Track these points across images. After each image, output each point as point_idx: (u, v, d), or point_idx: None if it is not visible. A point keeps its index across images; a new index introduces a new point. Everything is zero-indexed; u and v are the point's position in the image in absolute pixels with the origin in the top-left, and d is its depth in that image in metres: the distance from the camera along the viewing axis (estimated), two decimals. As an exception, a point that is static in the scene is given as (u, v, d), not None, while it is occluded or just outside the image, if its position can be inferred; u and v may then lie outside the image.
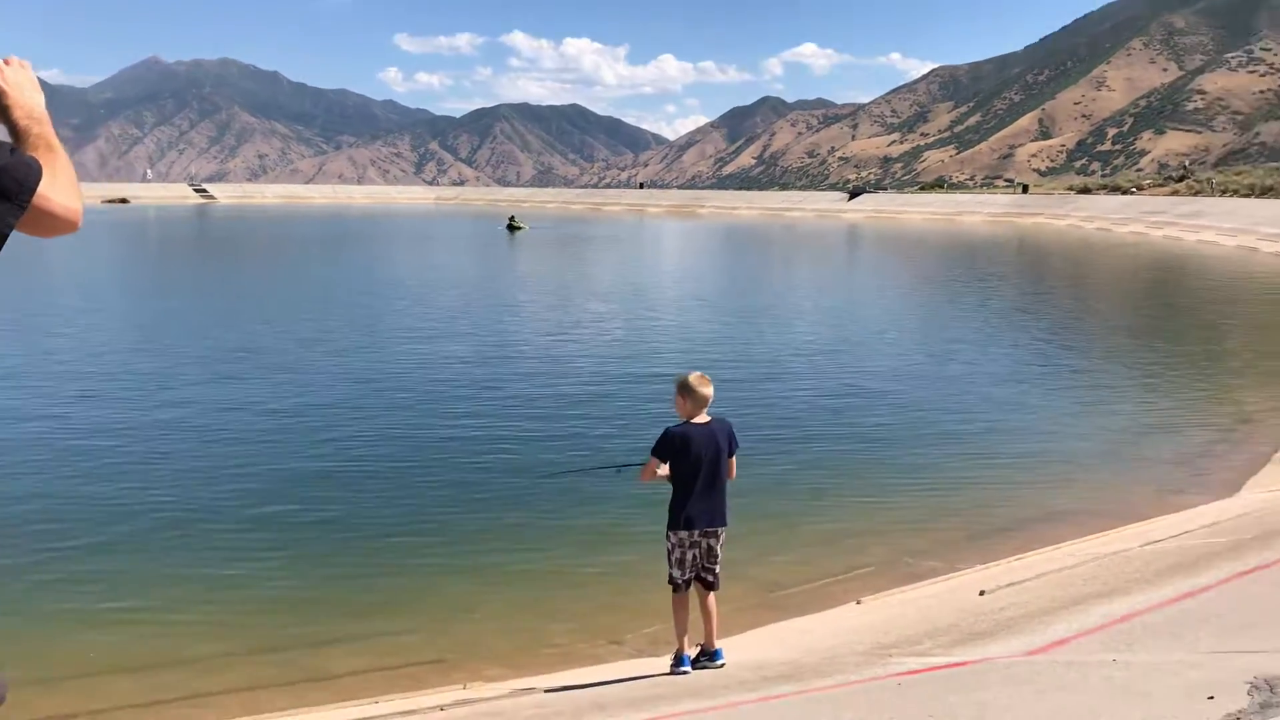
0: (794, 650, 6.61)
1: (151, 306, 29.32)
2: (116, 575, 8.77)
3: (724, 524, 6.18)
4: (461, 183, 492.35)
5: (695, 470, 6.04)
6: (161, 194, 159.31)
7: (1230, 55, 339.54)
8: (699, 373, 6.23)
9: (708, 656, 6.21)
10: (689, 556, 6.12)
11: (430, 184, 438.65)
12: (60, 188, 2.15)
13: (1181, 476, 11.95)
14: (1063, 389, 17.39)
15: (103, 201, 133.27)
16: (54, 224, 2.16)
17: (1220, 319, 27.41)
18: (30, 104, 2.27)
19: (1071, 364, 20.16)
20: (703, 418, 6.16)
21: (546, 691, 6.08)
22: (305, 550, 9.41)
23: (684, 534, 6.09)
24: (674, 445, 6.08)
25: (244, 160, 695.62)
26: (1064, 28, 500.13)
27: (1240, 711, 3.20)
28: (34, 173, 2.10)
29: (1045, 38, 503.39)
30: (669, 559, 6.15)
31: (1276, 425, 13.96)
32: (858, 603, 7.99)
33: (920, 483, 11.63)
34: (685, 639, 6.21)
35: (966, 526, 10.22)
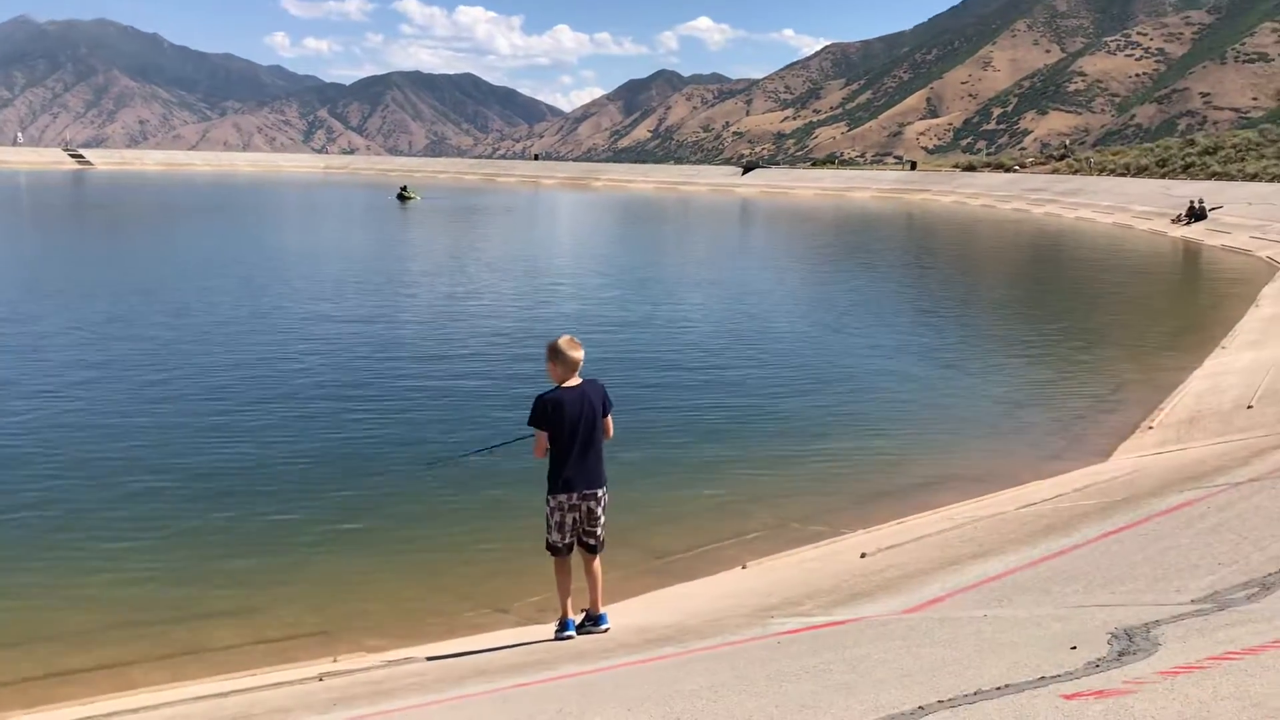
0: (679, 614, 6.64)
1: (13, 277, 28.06)
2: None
3: (603, 485, 6.16)
4: (352, 152, 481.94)
5: (571, 434, 6.01)
6: (33, 159, 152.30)
7: (1109, 39, 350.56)
8: (568, 336, 6.22)
9: (592, 621, 6.20)
10: (569, 520, 6.08)
11: (319, 152, 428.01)
12: None
13: (1057, 443, 12.35)
14: (946, 359, 17.81)
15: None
16: None
17: (1096, 293, 28.37)
18: None
19: (955, 335, 20.67)
20: (574, 381, 6.11)
21: (428, 659, 6.01)
22: (182, 523, 9.12)
23: (563, 497, 6.05)
24: (547, 411, 6.03)
25: (123, 125, 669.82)
26: (952, 8, 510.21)
27: (1100, 659, 3.30)
28: None
29: (934, 17, 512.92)
30: (548, 523, 6.11)
31: (1146, 394, 14.50)
32: (743, 567, 8.07)
33: (806, 450, 11.81)
34: (569, 604, 6.18)
35: (851, 492, 10.41)
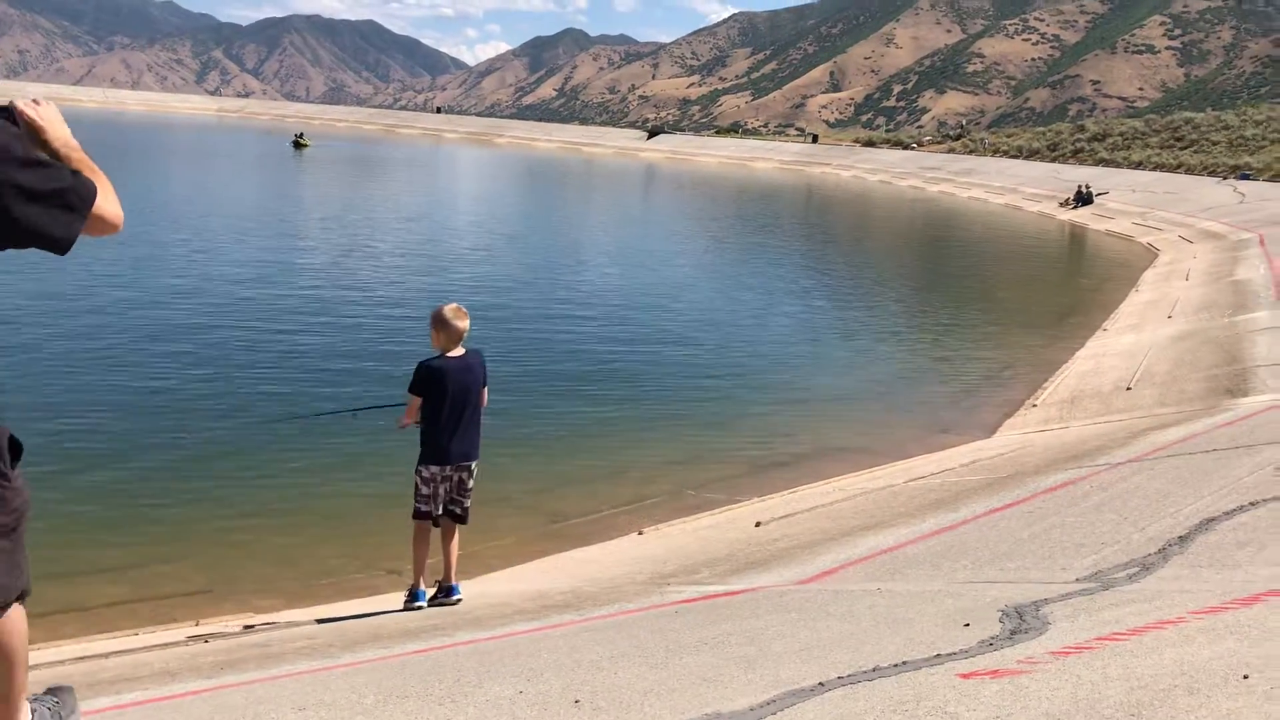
0: (575, 580, 6.64)
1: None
2: None
3: (476, 457, 6.10)
4: (247, 95, 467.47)
5: (449, 404, 5.92)
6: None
7: (1008, 22, 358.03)
8: (454, 304, 6.07)
9: (444, 593, 6.12)
10: (440, 491, 6.02)
11: (213, 95, 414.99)
12: (108, 199, 2.69)
13: (945, 418, 12.67)
14: (840, 333, 18.12)
15: None
16: (105, 227, 2.69)
17: (985, 272, 29.11)
18: (64, 135, 2.77)
19: (849, 310, 21.01)
20: (458, 351, 6.01)
21: (319, 622, 5.90)
22: (62, 478, 8.76)
23: (435, 469, 5.98)
24: (429, 379, 5.93)
25: (1, 55, 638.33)
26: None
27: (993, 638, 3.38)
28: (92, 190, 2.63)
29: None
30: (417, 492, 6.03)
31: (1031, 372, 14.96)
32: (639, 533, 8.11)
33: (703, 418, 11.92)
34: (423, 575, 6.13)
35: (746, 461, 10.53)
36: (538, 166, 79.05)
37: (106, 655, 5.37)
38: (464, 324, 5.99)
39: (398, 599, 6.24)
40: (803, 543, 6.77)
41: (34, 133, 2.73)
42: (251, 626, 5.92)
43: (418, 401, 5.98)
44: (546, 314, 17.45)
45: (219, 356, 13.18)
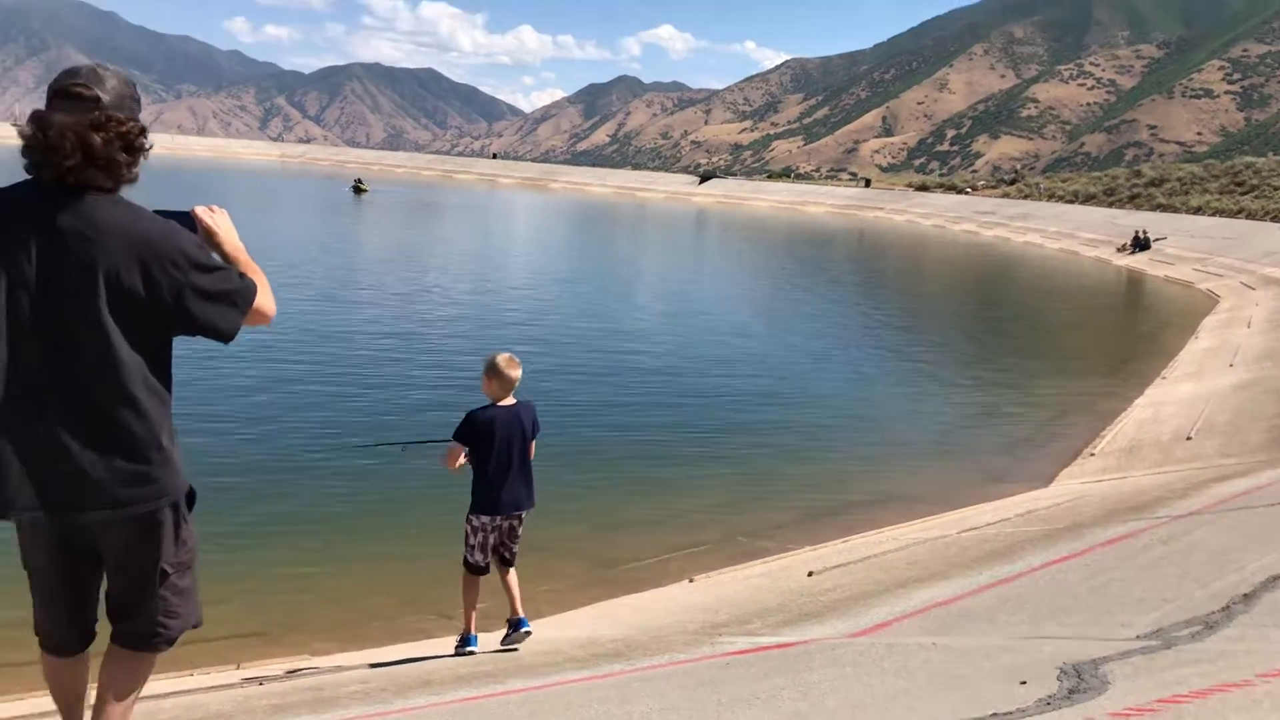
0: (625, 627, 6.61)
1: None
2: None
3: (528, 506, 6.11)
4: (308, 141, 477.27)
5: (500, 454, 5.93)
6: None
7: (1062, 67, 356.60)
8: (508, 354, 6.09)
9: (514, 627, 6.08)
10: (490, 540, 6.03)
11: (276, 140, 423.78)
12: (266, 297, 3.14)
13: (1000, 466, 12.49)
14: (894, 379, 17.98)
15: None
16: (261, 320, 3.14)
17: (1041, 318, 28.80)
18: (234, 240, 3.21)
19: (901, 355, 20.85)
20: (509, 400, 6.03)
21: (372, 666, 5.92)
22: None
23: (486, 519, 5.99)
24: (478, 429, 5.94)
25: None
26: (911, 29, 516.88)
27: (1050, 696, 3.32)
28: (254, 291, 3.09)
29: (894, 37, 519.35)
30: (467, 542, 6.04)
31: (1088, 419, 14.72)
32: (690, 580, 8.06)
33: (754, 464, 11.85)
34: (473, 619, 6.12)
35: (798, 508, 10.45)
36: (591, 211, 79.70)
37: (164, 696, 5.43)
38: (516, 374, 6.01)
39: (449, 643, 6.26)
40: (856, 594, 6.70)
41: (209, 237, 3.16)
42: (298, 671, 5.96)
43: (459, 448, 5.99)
44: (598, 357, 17.51)
45: (273, 397, 13.35)
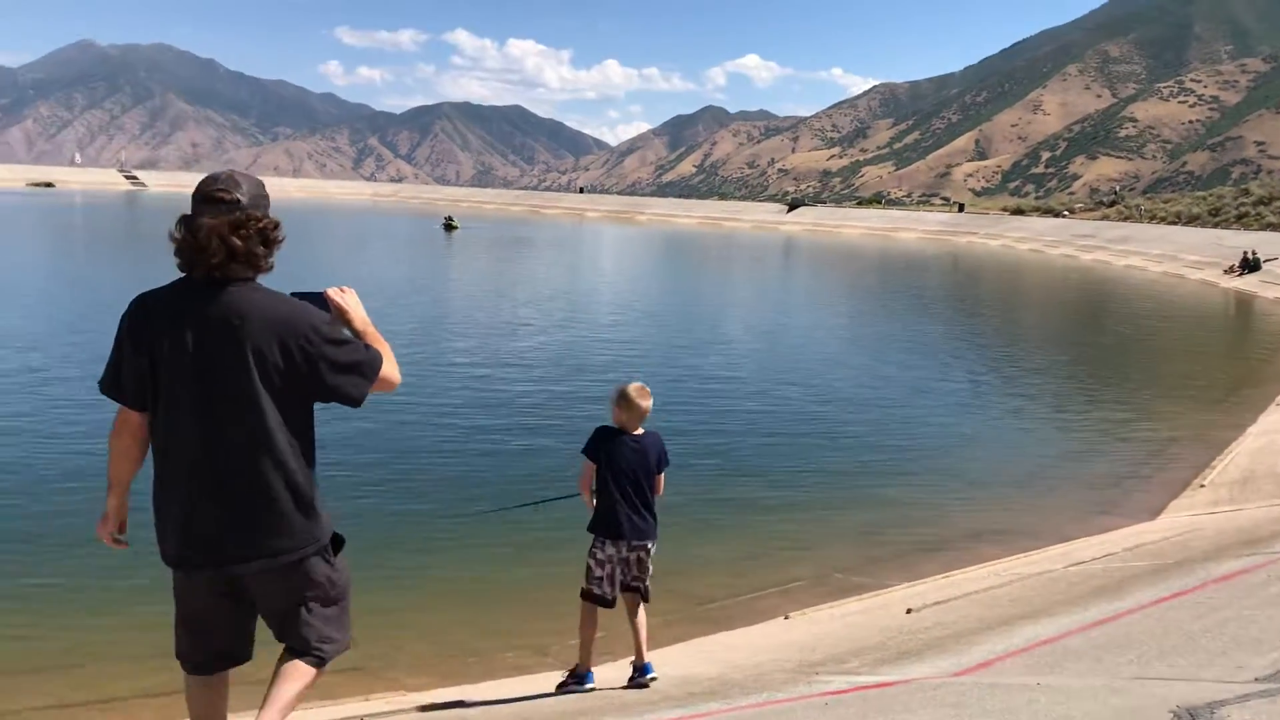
0: (721, 665, 6.56)
1: (68, 297, 28.53)
2: (22, 573, 8.46)
3: (653, 539, 6.02)
4: (400, 180, 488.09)
5: (621, 481, 5.88)
6: (90, 179, 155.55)
7: (1162, 85, 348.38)
8: (639, 384, 6.05)
9: (639, 672, 5.99)
10: (615, 572, 5.95)
11: (368, 180, 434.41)
12: (391, 367, 3.55)
13: (1105, 498, 12.14)
14: (993, 408, 17.62)
15: (27, 184, 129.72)
16: (386, 387, 3.55)
17: (1145, 344, 28.00)
18: (362, 315, 3.59)
19: (1001, 384, 20.44)
20: (638, 430, 6.01)
21: (468, 704, 5.96)
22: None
23: (610, 548, 5.91)
24: (604, 447, 5.92)
25: (177, 148, 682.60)
26: (1002, 51, 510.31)
27: (1165, 744, 3.20)
28: (380, 361, 3.50)
29: (984, 60, 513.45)
30: (591, 574, 5.95)
31: (1197, 450, 14.25)
32: (786, 618, 7.97)
33: (849, 498, 11.69)
34: (590, 654, 6.02)
35: (895, 543, 10.27)
36: (679, 242, 79.94)
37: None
38: (646, 404, 6.00)
39: (544, 679, 6.27)
40: (957, 631, 6.56)
41: (340, 314, 3.56)
42: (393, 712, 6.02)
43: (591, 468, 5.96)
44: (689, 390, 17.48)
45: (374, 432, 13.58)
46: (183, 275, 3.36)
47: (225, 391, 3.30)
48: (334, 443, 13.04)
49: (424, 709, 5.86)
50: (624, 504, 5.89)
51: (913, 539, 10.39)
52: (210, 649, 3.62)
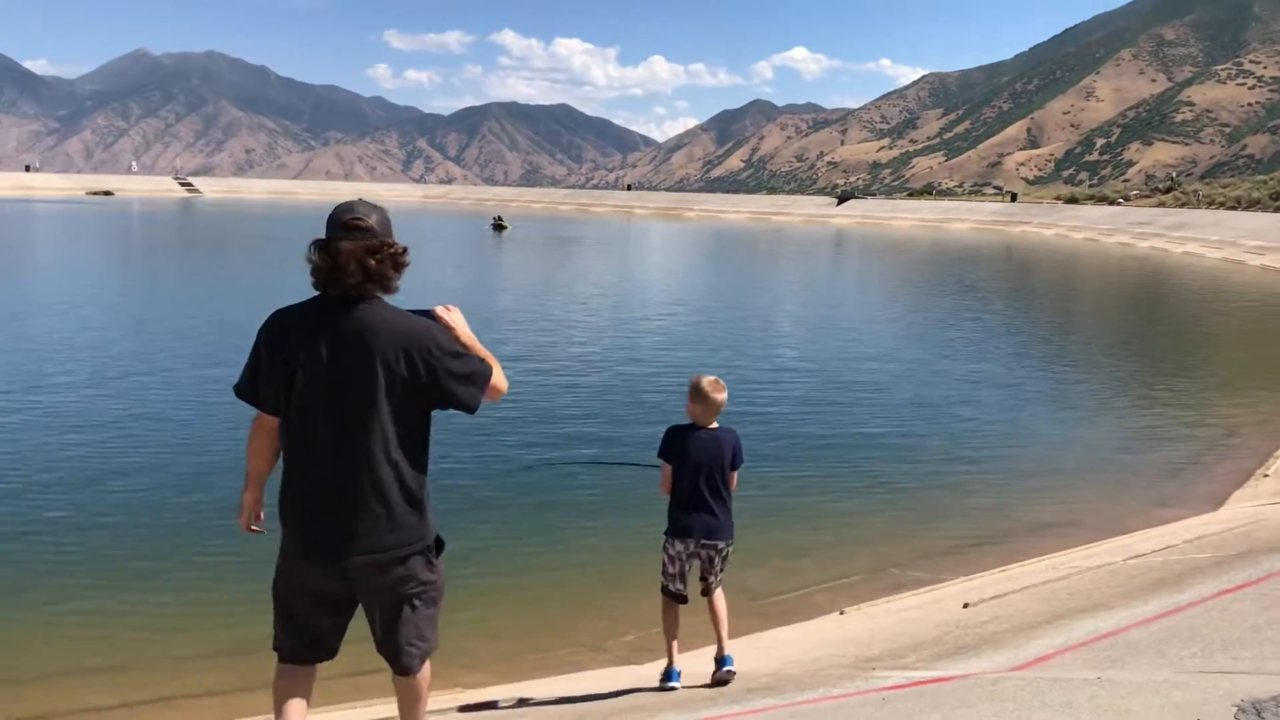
0: (777, 661, 6.56)
1: (137, 300, 29.08)
2: (88, 574, 8.65)
3: (727, 538, 5.90)
4: (449, 181, 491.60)
5: (694, 477, 5.78)
6: (146, 187, 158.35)
7: (1219, 67, 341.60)
8: (713, 377, 5.97)
9: (718, 664, 5.85)
10: (689, 568, 5.86)
11: (418, 182, 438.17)
12: (499, 377, 3.87)
13: (1165, 489, 11.95)
14: (1048, 400, 17.41)
15: (87, 193, 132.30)
16: (495, 395, 3.87)
17: (1204, 332, 27.51)
18: (467, 331, 3.89)
19: (1057, 375, 20.19)
20: (713, 425, 5.93)
21: (523, 702, 6.02)
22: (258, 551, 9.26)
23: (679, 545, 5.83)
24: (676, 445, 5.85)
25: (230, 154, 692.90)
26: (1054, 37, 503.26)
27: (1228, 737, 3.16)
28: (490, 371, 3.84)
29: (1035, 47, 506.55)
30: (665, 570, 5.90)
31: (1260, 439, 13.98)
32: (841, 613, 7.95)
33: (905, 492, 11.61)
34: (674, 650, 5.89)
35: (951, 537, 10.19)
36: (728, 238, 79.77)
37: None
38: (721, 397, 5.91)
39: (600, 676, 6.31)
40: (1015, 625, 6.50)
41: (448, 330, 3.86)
42: (467, 706, 6.08)
43: (669, 469, 5.88)
44: (741, 384, 17.44)
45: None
46: (317, 294, 3.73)
47: (354, 399, 3.65)
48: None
49: (477, 707, 5.93)
50: (694, 501, 5.79)
51: (968, 533, 10.30)
52: (305, 640, 3.93)
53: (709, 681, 5.82)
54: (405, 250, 3.76)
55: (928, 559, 9.45)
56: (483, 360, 3.83)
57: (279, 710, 3.97)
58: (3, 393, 15.26)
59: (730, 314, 29.32)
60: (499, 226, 73.94)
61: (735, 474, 5.98)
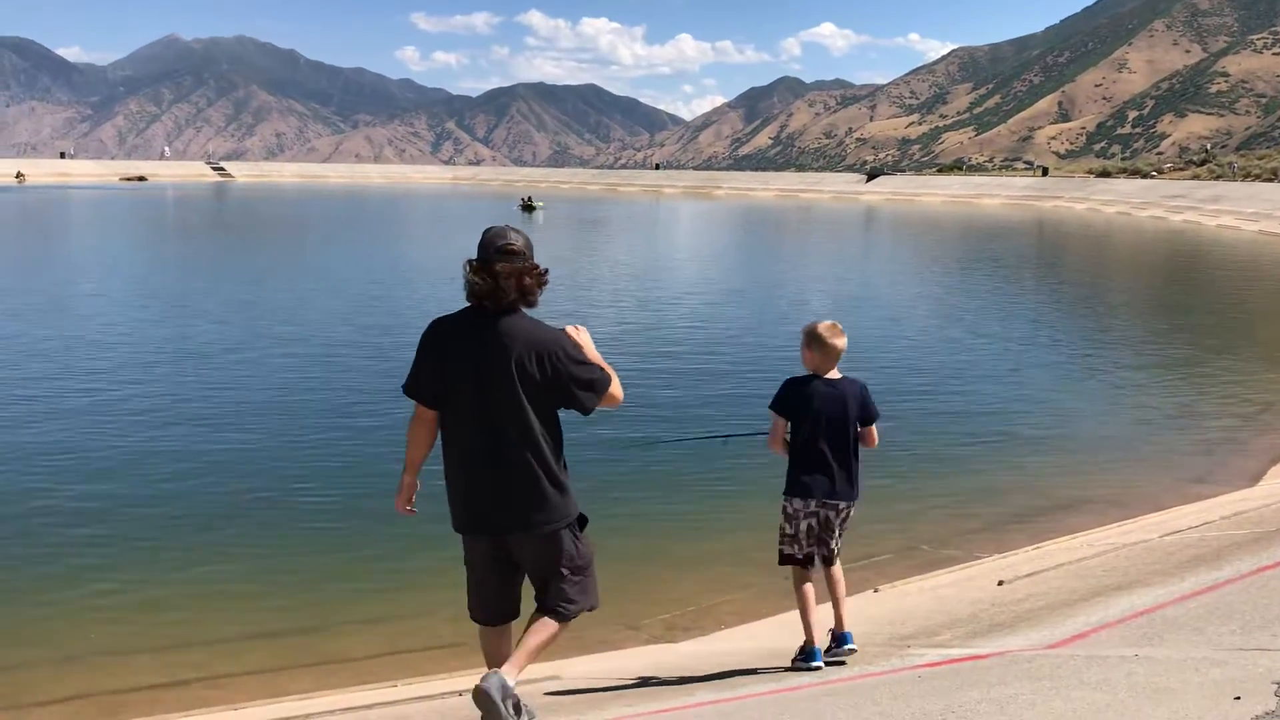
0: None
1: (170, 284, 29.35)
2: (135, 556, 8.78)
3: (849, 500, 5.48)
4: (478, 162, 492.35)
5: (813, 431, 5.39)
6: (179, 172, 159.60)
7: (1255, 36, 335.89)
8: (830, 321, 5.57)
9: (836, 642, 5.49)
10: (803, 527, 5.44)
11: (447, 163, 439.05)
12: (617, 388, 4.38)
13: (1202, 465, 11.86)
14: (1082, 375, 17.29)
15: (120, 179, 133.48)
16: (612, 402, 4.40)
17: (1240, 307, 27.20)
18: (591, 348, 4.39)
19: (1091, 350, 20.03)
20: (834, 374, 5.53)
21: (560, 680, 6.07)
22: (326, 532, 9.39)
23: (799, 503, 5.42)
24: (794, 398, 5.47)
25: (261, 139, 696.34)
26: (1085, 9, 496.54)
27: (1269, 714, 3.16)
28: (609, 381, 4.35)
29: (1066, 19, 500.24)
30: (782, 531, 5.53)
31: (1299, 414, 13.83)
32: (875, 591, 7.96)
33: (937, 469, 11.57)
34: (813, 627, 5.39)
35: (984, 514, 10.16)
36: (758, 216, 79.46)
37: (369, 706, 5.71)
38: (840, 342, 5.53)
39: (637, 655, 6.34)
40: (1051, 603, 6.49)
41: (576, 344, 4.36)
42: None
43: (781, 422, 5.51)
44: (775, 363, 17.41)
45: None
46: (470, 305, 4.27)
47: (498, 396, 4.19)
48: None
49: (521, 683, 5.97)
50: (814, 457, 5.41)
51: (1002, 510, 10.28)
52: (489, 606, 4.59)
53: (826, 660, 5.46)
54: (546, 271, 4.28)
55: (960, 537, 9.43)
56: (603, 370, 4.34)
57: (488, 661, 4.69)
58: (61, 380, 15.47)
59: (769, 289, 29.21)
60: (528, 207, 73.86)
61: (873, 429, 5.64)
